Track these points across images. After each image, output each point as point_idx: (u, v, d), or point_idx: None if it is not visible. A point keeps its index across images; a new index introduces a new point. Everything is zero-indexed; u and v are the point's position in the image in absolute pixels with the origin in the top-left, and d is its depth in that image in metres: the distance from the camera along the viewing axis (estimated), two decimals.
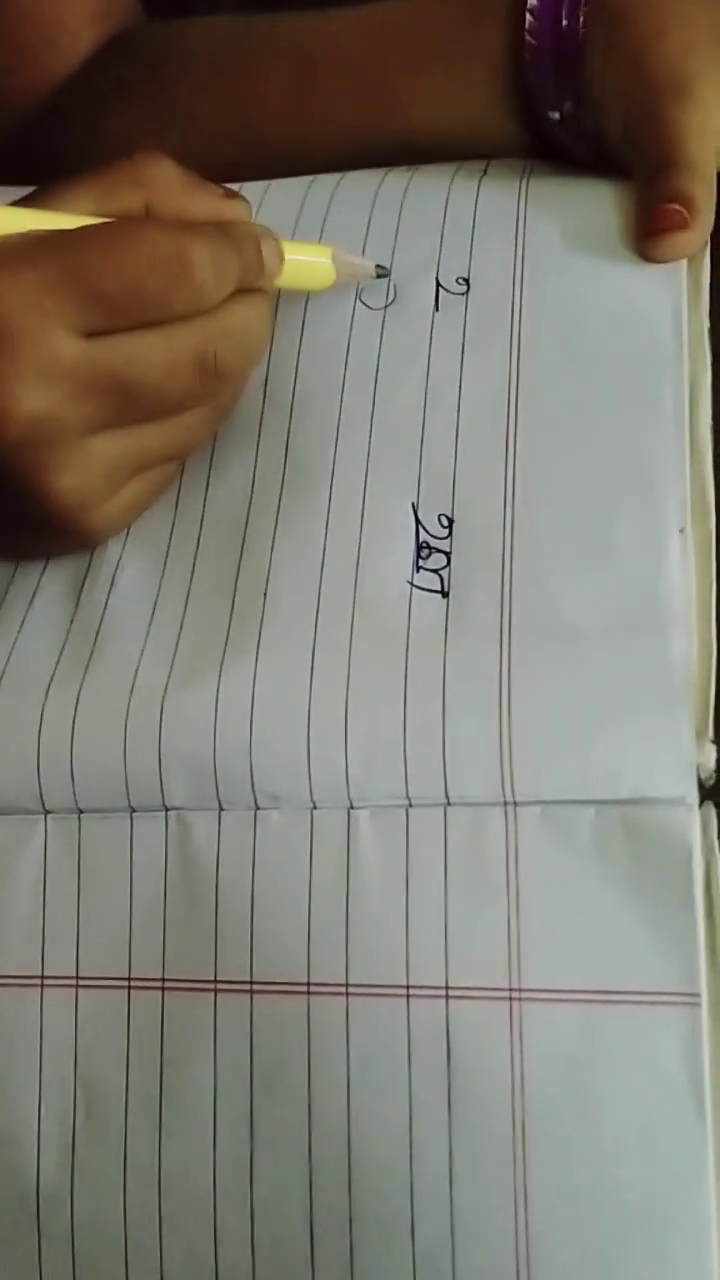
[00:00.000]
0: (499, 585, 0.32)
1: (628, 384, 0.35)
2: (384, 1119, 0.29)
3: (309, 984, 0.30)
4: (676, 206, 0.37)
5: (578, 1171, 0.28)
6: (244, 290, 0.34)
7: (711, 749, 0.30)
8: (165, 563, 0.35)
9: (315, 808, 0.31)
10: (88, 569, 0.36)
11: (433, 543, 0.34)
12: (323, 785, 0.31)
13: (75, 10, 0.49)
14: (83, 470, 0.32)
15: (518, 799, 0.30)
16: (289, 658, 0.32)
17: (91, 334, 0.31)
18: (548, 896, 0.29)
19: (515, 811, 0.30)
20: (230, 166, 0.43)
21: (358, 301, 0.39)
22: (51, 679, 0.34)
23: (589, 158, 0.41)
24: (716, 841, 0.29)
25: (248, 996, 0.31)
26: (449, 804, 0.30)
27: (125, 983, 0.31)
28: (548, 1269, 0.28)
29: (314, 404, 0.37)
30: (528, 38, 0.40)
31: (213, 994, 0.31)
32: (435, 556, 0.33)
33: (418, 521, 0.34)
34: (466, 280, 0.38)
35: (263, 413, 0.37)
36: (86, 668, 0.34)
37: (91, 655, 0.34)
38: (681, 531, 0.32)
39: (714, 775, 0.30)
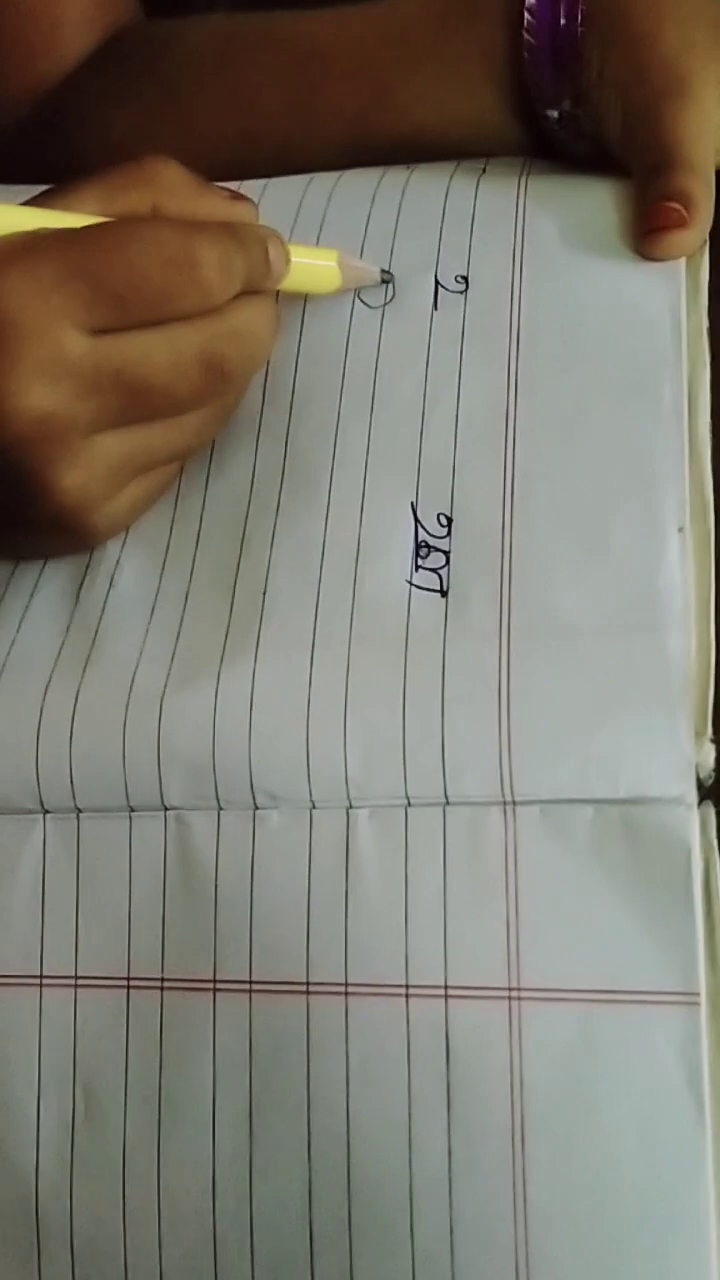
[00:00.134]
0: (498, 584, 0.32)
1: (627, 382, 0.35)
2: (383, 1118, 0.29)
3: (308, 983, 0.30)
4: (675, 205, 0.37)
5: (577, 1170, 0.28)
6: (250, 292, 0.34)
7: (710, 748, 0.30)
8: (164, 562, 0.35)
9: (314, 807, 0.31)
10: (86, 569, 0.36)
11: (432, 542, 0.34)
12: (322, 785, 0.31)
13: (74, 9, 0.49)
14: (86, 469, 0.32)
15: (517, 798, 0.30)
16: (288, 657, 0.32)
17: (98, 331, 0.31)
18: (547, 896, 0.29)
19: (514, 811, 0.30)
20: (229, 165, 0.43)
21: (356, 300, 0.39)
22: (50, 678, 0.34)
23: (588, 156, 0.41)
24: (715, 841, 0.29)
25: (246, 996, 0.31)
26: (448, 803, 0.30)
27: (124, 982, 0.31)
28: (547, 1268, 0.28)
29: (313, 403, 0.37)
30: (526, 36, 0.40)
31: (211, 993, 0.31)
32: (434, 555, 0.33)
33: (417, 521, 0.34)
34: (465, 279, 0.38)
35: (262, 412, 0.37)
36: (85, 667, 0.34)
37: (90, 655, 0.34)
38: (680, 530, 0.32)
39: (713, 774, 0.30)
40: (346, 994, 0.30)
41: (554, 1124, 0.28)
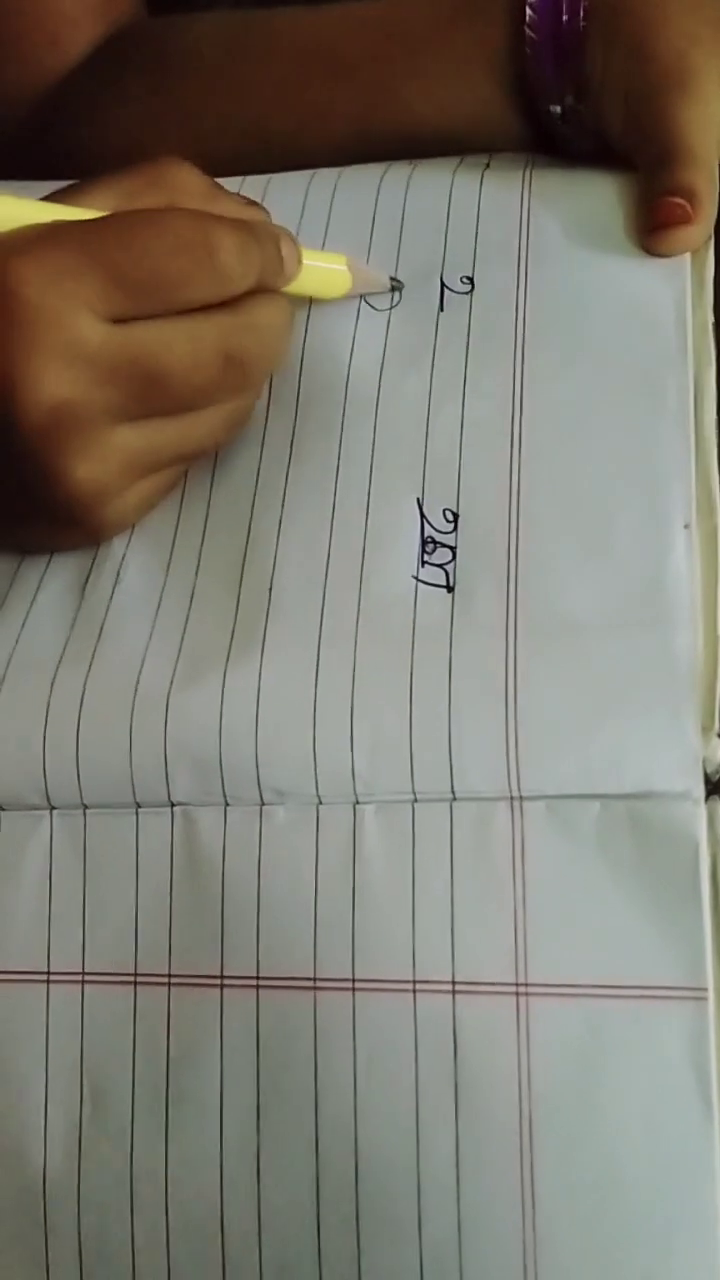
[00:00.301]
0: (504, 580, 0.32)
1: (632, 379, 0.35)
2: (390, 1113, 0.29)
3: (315, 979, 0.30)
4: (679, 200, 0.37)
5: (584, 1165, 0.28)
6: (263, 291, 0.34)
7: (717, 743, 0.30)
8: (170, 559, 0.35)
9: (321, 803, 0.31)
10: (92, 565, 0.36)
11: (438, 537, 0.34)
12: (328, 781, 0.31)
13: (77, 6, 0.49)
14: (101, 461, 0.32)
15: (523, 793, 0.30)
16: (294, 653, 0.32)
17: (116, 319, 0.31)
18: (554, 891, 0.29)
19: (521, 806, 0.30)
20: (231, 161, 0.43)
21: (362, 303, 0.39)
22: (56, 675, 0.34)
23: (590, 152, 0.41)
24: None
25: (254, 992, 0.31)
26: (455, 799, 0.30)
27: (131, 978, 0.31)
28: (554, 1262, 0.28)
29: (319, 401, 0.37)
30: (528, 32, 0.40)
31: (219, 989, 0.31)
32: (440, 551, 0.33)
33: (423, 516, 0.34)
34: (470, 279, 0.38)
35: (267, 409, 0.37)
36: (91, 664, 0.34)
37: (96, 651, 0.34)
38: (686, 527, 0.32)
39: None
40: (354, 989, 0.30)
41: (561, 1119, 0.28)
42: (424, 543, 0.34)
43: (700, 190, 0.37)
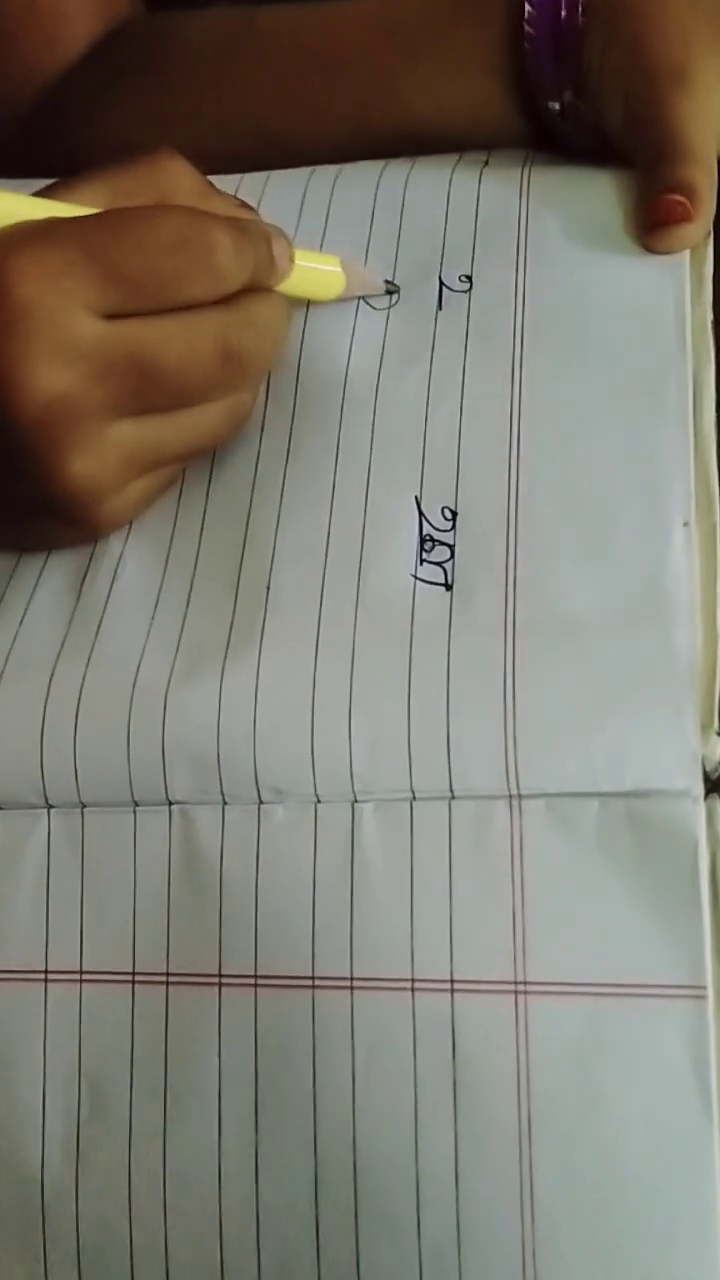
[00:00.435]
0: (503, 578, 0.32)
1: (631, 377, 0.35)
2: (389, 1112, 0.29)
3: (314, 977, 0.30)
4: (678, 197, 0.36)
5: (583, 1164, 0.28)
6: (257, 288, 0.34)
7: (717, 741, 0.30)
8: (168, 556, 0.35)
9: (319, 801, 0.31)
10: (89, 562, 0.36)
11: (436, 535, 0.34)
12: (327, 779, 0.31)
13: (75, 4, 0.49)
14: (98, 457, 0.32)
15: (522, 791, 0.30)
16: (292, 651, 0.32)
17: (112, 315, 0.31)
18: (553, 889, 0.29)
19: (520, 804, 0.30)
20: (230, 157, 0.43)
21: (360, 301, 0.39)
22: (53, 673, 0.34)
23: (589, 148, 0.41)
24: None
25: (252, 990, 0.30)
26: (453, 797, 0.30)
27: (129, 977, 0.31)
28: (554, 1261, 0.28)
29: (317, 399, 0.37)
30: (527, 28, 0.40)
31: (217, 988, 0.31)
32: (439, 549, 0.33)
33: (421, 514, 0.34)
34: (469, 277, 0.38)
35: (265, 406, 0.37)
36: (89, 662, 0.34)
37: (94, 649, 0.34)
38: (686, 524, 0.32)
39: (719, 767, 0.30)
40: (352, 988, 0.30)
41: (560, 1117, 0.28)
42: (422, 541, 0.34)
43: (699, 187, 0.37)
